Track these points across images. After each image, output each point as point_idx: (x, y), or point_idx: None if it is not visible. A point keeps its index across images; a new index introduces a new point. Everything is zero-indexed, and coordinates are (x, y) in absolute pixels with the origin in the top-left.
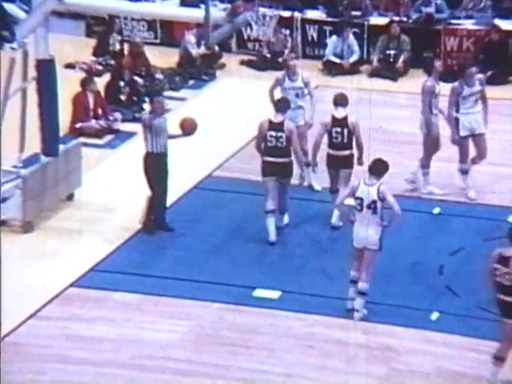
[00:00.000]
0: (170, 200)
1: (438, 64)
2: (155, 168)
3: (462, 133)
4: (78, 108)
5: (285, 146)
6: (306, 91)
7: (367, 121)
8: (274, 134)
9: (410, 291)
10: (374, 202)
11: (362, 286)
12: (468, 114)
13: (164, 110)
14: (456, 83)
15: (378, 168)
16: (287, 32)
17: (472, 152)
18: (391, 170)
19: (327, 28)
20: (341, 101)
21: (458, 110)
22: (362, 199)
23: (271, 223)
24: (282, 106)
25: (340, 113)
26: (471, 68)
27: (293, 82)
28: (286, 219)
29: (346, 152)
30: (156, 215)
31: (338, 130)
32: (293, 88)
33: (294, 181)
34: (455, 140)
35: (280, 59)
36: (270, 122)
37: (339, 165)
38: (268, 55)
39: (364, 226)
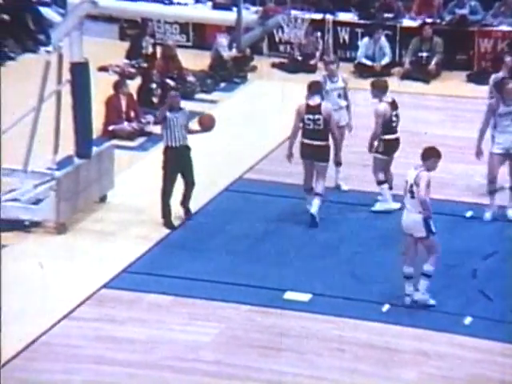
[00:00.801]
0: (201, 202)
1: (508, 59)
2: (172, 161)
3: (496, 150)
4: (111, 111)
5: (322, 128)
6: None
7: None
8: (311, 116)
9: (442, 295)
10: (411, 185)
11: (426, 267)
12: (504, 132)
13: (179, 104)
14: (493, 100)
15: (427, 153)
16: (319, 34)
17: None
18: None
19: (359, 30)
20: (385, 87)
21: (494, 127)
22: (406, 182)
23: (310, 201)
24: (315, 88)
25: (390, 97)
26: (508, 87)
27: (334, 83)
28: (316, 207)
29: (398, 134)
30: (165, 207)
31: (395, 113)
32: (335, 89)
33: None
34: (479, 154)
35: (312, 61)
36: (308, 105)
37: (395, 149)
38: (299, 58)
39: (406, 210)
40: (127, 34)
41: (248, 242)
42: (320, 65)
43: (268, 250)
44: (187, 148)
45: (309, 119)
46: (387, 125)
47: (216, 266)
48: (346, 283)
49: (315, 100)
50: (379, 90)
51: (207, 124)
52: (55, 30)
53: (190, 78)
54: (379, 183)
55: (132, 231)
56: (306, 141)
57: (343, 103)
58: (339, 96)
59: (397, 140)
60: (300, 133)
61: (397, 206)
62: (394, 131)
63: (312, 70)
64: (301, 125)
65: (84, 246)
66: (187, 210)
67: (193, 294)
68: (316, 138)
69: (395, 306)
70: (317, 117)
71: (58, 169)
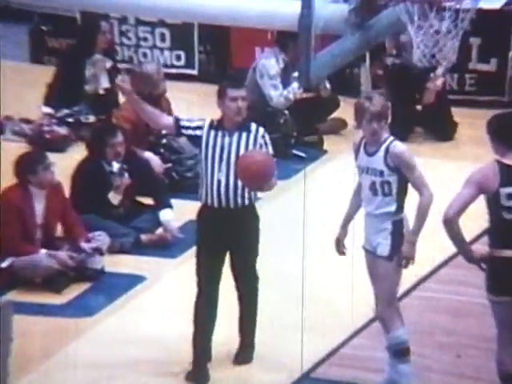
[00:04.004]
0: None
1: None
2: (209, 240)
3: None
4: (9, 223)
5: None
6: None
7: None
8: None
9: None
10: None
11: None
12: None
13: (239, 117)
14: None
15: None
16: None
17: None
18: None
19: None
20: None
21: None
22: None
23: None
24: None
25: None
26: None
27: None
28: None
29: None
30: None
31: None
32: None
33: None
34: None
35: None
36: (503, 166)
37: None
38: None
39: None
40: (49, 49)
41: None
42: None
43: None
44: (248, 214)
45: (510, 197)
46: None
47: None
48: None
49: None
50: None
51: (242, 170)
52: None
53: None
54: None
55: None
56: (507, 252)
57: None
58: None
59: None
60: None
61: None
62: None
63: None
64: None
65: None
66: (244, 347)
67: None
68: None
69: None
70: None
71: None
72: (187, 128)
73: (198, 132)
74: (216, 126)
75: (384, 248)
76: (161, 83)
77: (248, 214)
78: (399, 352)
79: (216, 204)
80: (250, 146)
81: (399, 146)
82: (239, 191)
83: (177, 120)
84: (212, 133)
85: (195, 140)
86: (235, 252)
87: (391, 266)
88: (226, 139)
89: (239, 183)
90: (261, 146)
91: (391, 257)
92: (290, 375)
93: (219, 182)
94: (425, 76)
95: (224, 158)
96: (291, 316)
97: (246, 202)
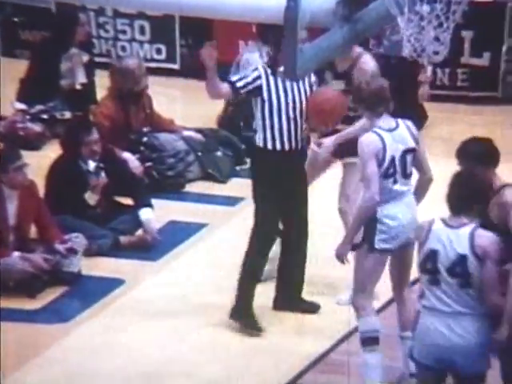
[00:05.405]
0: None
1: None
2: (262, 175)
3: None
4: None
5: None
6: None
7: None
8: None
9: None
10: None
11: None
12: None
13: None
14: None
15: None
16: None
17: None
18: None
19: None
20: None
21: None
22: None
23: None
24: None
25: None
26: None
27: None
28: None
29: None
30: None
31: None
32: None
33: None
34: None
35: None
36: None
37: None
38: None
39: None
40: (22, 42)
41: None
42: None
43: None
44: (304, 156)
45: None
46: None
47: None
48: None
49: None
50: None
51: (326, 110)
52: None
53: (177, 144)
54: None
55: None
56: None
57: None
58: None
59: None
60: None
61: None
62: None
63: None
64: None
65: None
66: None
67: None
68: None
69: None
70: None
71: None
72: (245, 86)
73: (257, 82)
74: (272, 71)
75: (358, 235)
76: (142, 79)
77: (303, 156)
78: (365, 340)
79: (280, 147)
80: (308, 87)
81: (361, 138)
82: (300, 134)
83: (232, 84)
84: (271, 79)
85: (256, 92)
86: (291, 192)
87: (360, 254)
88: (288, 82)
89: (299, 127)
90: (312, 85)
91: (360, 245)
92: (276, 381)
93: (282, 125)
94: (405, 66)
95: (289, 100)
96: (281, 319)
97: (304, 144)
